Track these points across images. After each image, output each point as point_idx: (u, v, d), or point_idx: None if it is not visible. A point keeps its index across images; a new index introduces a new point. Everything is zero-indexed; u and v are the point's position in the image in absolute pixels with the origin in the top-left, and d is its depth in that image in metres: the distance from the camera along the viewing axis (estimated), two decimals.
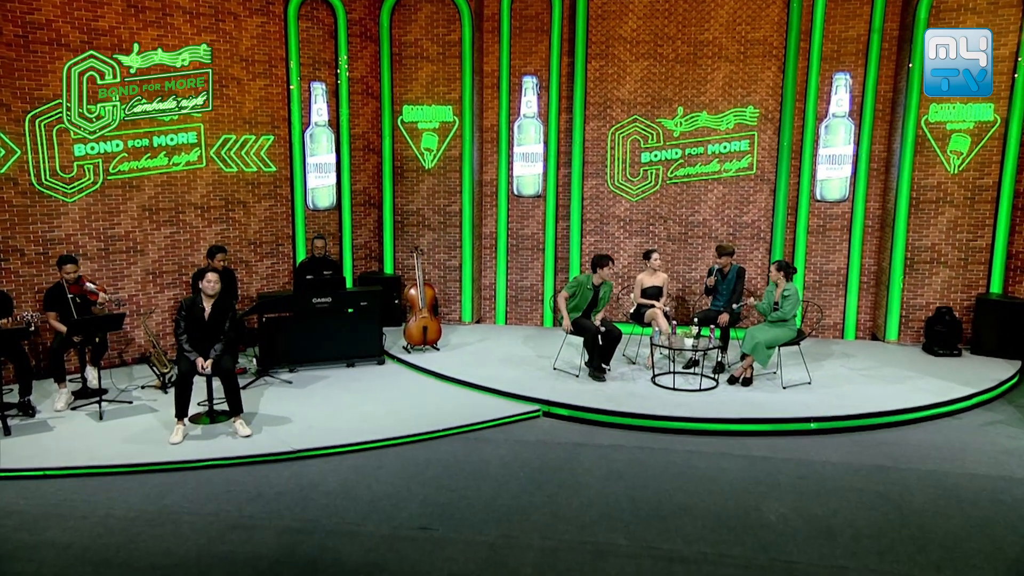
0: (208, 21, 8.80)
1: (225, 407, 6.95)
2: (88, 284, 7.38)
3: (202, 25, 8.75)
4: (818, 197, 9.81)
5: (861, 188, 9.64)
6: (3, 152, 7.61)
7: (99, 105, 8.00)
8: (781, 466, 6.09)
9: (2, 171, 7.63)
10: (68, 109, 7.80)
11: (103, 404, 7.02)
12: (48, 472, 5.71)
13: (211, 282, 6.45)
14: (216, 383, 6.97)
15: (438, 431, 6.69)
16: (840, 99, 9.55)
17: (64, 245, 8.06)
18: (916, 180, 9.27)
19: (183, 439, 6.27)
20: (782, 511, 5.30)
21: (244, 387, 7.76)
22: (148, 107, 8.23)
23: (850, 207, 9.75)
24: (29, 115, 7.73)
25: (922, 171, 9.26)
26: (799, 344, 8.00)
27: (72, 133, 7.91)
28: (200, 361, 6.37)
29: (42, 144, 7.84)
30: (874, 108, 9.46)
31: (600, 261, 8.00)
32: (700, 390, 7.67)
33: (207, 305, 6.52)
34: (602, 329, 7.93)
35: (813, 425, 6.88)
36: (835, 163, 9.69)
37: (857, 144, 9.60)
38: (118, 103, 8.01)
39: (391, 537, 4.89)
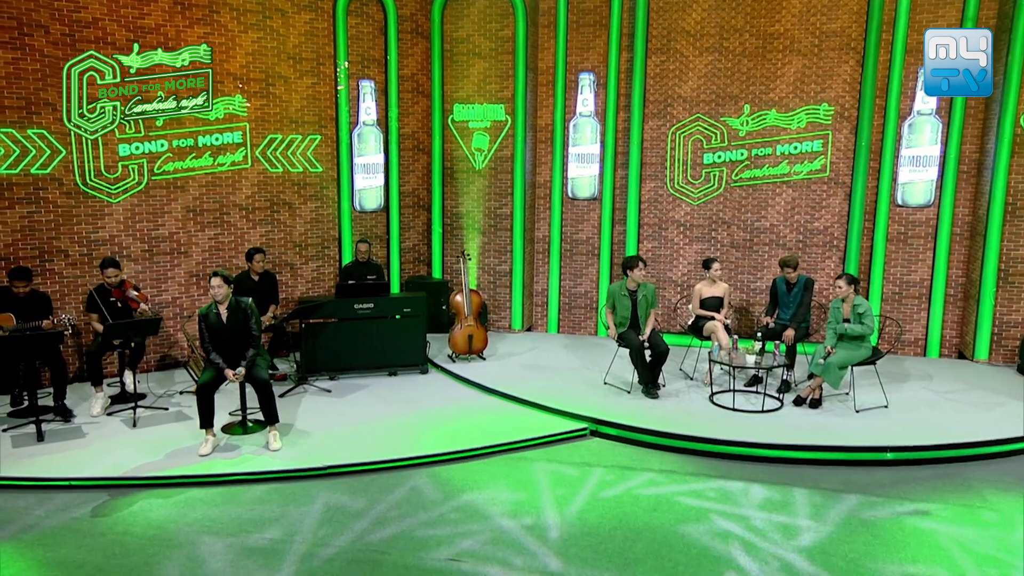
0: (255, 18, 8.69)
1: (260, 416, 6.81)
2: (131, 291, 7.32)
3: (249, 22, 8.64)
4: (899, 202, 9.09)
5: (949, 192, 8.89)
6: (48, 152, 7.63)
7: (99, 105, 7.80)
8: (851, 502, 5.53)
9: (47, 171, 7.66)
10: (68, 109, 7.65)
11: (138, 410, 6.95)
12: (73, 482, 5.61)
13: (215, 287, 6.14)
14: (250, 390, 6.80)
15: (477, 449, 6.35)
16: (926, 95, 8.81)
17: (108, 246, 8.05)
18: (1012, 184, 8.46)
19: (212, 450, 6.10)
20: (852, 556, 4.76)
21: (283, 394, 7.62)
22: (148, 107, 8.06)
23: (936, 213, 9.00)
24: (75, 114, 7.74)
25: (1020, 174, 8.44)
26: (875, 363, 7.37)
27: (73, 134, 7.71)
28: (229, 372, 6.18)
29: (87, 144, 7.84)
30: (965, 105, 8.70)
31: (628, 263, 7.55)
32: (762, 411, 7.13)
33: (222, 310, 6.28)
34: (646, 344, 7.47)
35: (890, 455, 6.27)
36: (919, 165, 8.96)
37: (945, 144, 8.85)
38: (118, 103, 7.85)
39: (416, 568, 4.57)
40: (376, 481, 5.81)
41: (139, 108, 7.99)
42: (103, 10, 7.76)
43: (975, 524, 5.21)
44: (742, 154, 9.43)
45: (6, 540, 4.84)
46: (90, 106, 7.76)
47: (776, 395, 7.49)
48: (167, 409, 7.15)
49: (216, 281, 6.14)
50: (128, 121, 7.98)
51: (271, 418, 6.30)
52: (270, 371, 8.34)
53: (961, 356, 9.11)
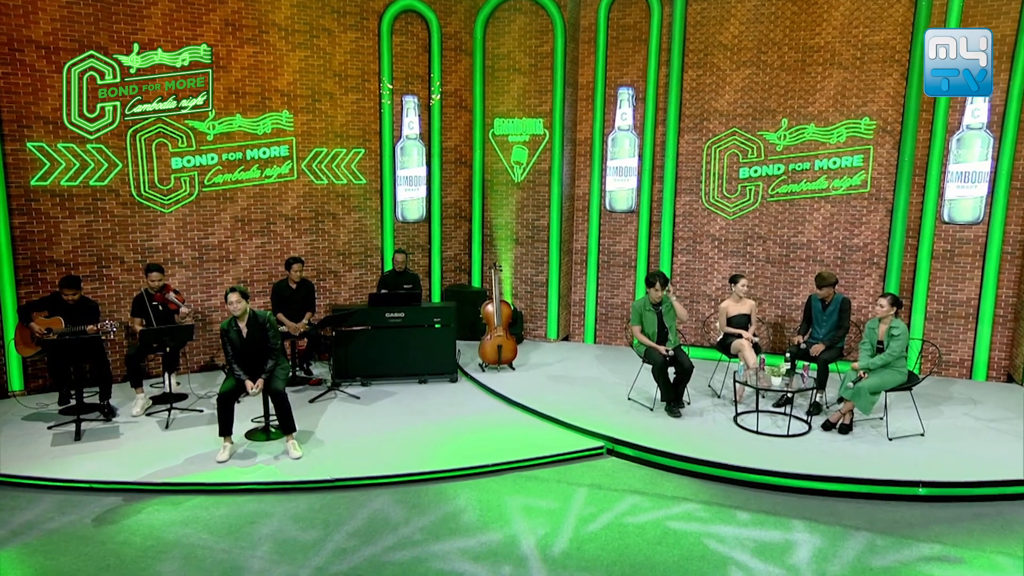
0: (302, 38, 8.40)
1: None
2: (170, 294, 7.12)
3: (296, 42, 8.36)
4: (946, 219, 8.09)
5: (1000, 209, 7.85)
6: (106, 165, 7.52)
7: (99, 105, 7.40)
8: (874, 542, 4.76)
9: (105, 183, 7.54)
10: (68, 110, 7.26)
11: (174, 412, 6.73)
12: (95, 485, 5.37)
13: (233, 303, 5.83)
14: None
15: (488, 465, 5.83)
16: (977, 109, 7.80)
17: (161, 254, 7.90)
18: None
19: (229, 457, 5.78)
20: None
21: (314, 399, 7.30)
22: (148, 107, 7.64)
23: (985, 230, 7.97)
24: (131, 130, 7.60)
25: None
26: (910, 389, 6.49)
27: (70, 135, 7.28)
28: (249, 384, 5.85)
29: (142, 157, 7.69)
30: (1019, 119, 7.66)
31: (656, 279, 6.80)
32: (788, 435, 6.36)
33: (241, 326, 5.95)
34: (670, 353, 6.78)
35: (922, 491, 5.43)
36: (968, 181, 7.95)
37: (996, 160, 7.82)
38: (118, 103, 7.44)
39: None
40: (383, 495, 5.36)
41: (139, 108, 7.59)
42: (159, 31, 7.60)
43: None
44: (779, 168, 8.60)
45: (14, 544, 4.60)
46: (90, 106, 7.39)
47: (804, 418, 6.70)
48: (202, 411, 6.91)
49: (234, 297, 5.84)
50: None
51: (288, 428, 5.95)
52: (305, 376, 8.09)
53: (1010, 379, 8.06)
